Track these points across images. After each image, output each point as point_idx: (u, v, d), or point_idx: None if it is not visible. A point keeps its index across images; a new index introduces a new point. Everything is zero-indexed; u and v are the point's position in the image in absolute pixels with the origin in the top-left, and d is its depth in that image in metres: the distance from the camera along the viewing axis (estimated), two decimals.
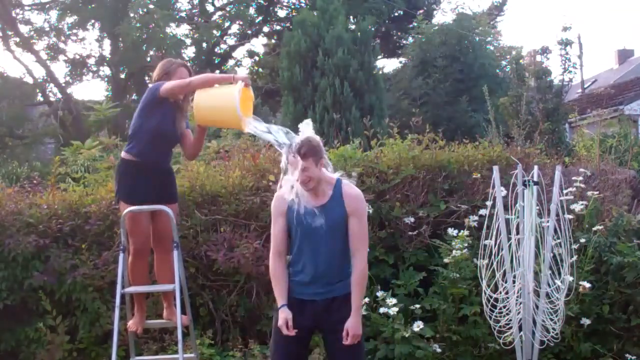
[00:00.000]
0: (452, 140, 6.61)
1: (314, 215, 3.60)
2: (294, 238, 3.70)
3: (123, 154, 4.51)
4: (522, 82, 11.34)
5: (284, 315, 3.54)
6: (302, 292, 3.65)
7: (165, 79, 4.48)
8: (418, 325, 5.05)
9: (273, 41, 23.33)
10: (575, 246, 5.05)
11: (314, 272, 3.62)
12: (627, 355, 5.21)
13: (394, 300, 5.13)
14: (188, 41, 21.90)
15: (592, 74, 32.18)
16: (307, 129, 3.74)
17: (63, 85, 21.32)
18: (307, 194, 3.60)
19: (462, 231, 5.44)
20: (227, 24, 22.89)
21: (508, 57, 17.90)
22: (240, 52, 36.35)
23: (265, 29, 23.87)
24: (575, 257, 4.99)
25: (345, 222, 3.61)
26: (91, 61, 21.94)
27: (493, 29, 21.12)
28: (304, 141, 3.57)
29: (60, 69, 46.45)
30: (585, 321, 5.19)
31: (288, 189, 3.67)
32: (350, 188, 3.67)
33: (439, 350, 5.13)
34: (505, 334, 4.73)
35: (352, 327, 3.53)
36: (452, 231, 5.51)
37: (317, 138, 3.67)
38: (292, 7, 23.05)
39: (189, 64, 4.68)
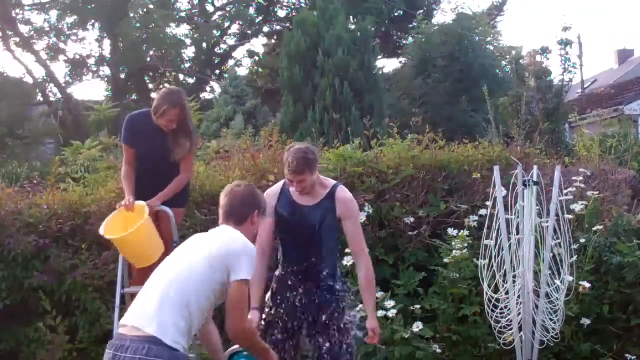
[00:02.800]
0: (452, 140, 6.61)
1: (305, 214, 3.67)
2: (283, 237, 3.78)
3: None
4: (522, 82, 11.35)
5: (250, 318, 3.53)
6: (286, 290, 3.72)
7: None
8: (418, 327, 5.04)
9: (273, 41, 23.34)
10: (575, 246, 5.05)
11: (302, 269, 3.69)
12: (627, 355, 5.20)
13: (392, 303, 5.13)
14: (188, 41, 21.93)
15: (592, 74, 32.16)
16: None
17: (63, 85, 21.35)
18: (295, 193, 3.67)
19: (462, 231, 5.44)
20: (227, 24, 22.92)
21: (508, 57, 17.91)
22: (240, 52, 36.42)
23: (265, 29, 23.90)
24: (575, 257, 4.99)
25: (334, 223, 3.68)
26: (91, 61, 21.98)
27: (493, 29, 21.11)
28: (298, 157, 3.56)
29: (60, 69, 46.41)
30: (585, 321, 5.18)
31: (279, 186, 3.75)
32: (344, 192, 3.72)
33: (439, 350, 5.13)
34: (505, 334, 4.73)
35: (375, 327, 3.67)
36: (452, 231, 5.50)
37: (309, 147, 3.68)
38: (292, 7, 23.07)
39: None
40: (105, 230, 4.30)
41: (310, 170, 3.58)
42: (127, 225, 4.28)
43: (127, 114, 4.92)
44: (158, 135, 4.49)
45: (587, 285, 5.08)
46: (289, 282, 3.75)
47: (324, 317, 3.67)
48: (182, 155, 4.54)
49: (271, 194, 3.76)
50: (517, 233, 4.63)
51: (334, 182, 3.79)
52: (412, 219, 5.78)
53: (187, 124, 4.56)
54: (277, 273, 3.85)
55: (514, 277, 4.61)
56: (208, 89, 23.46)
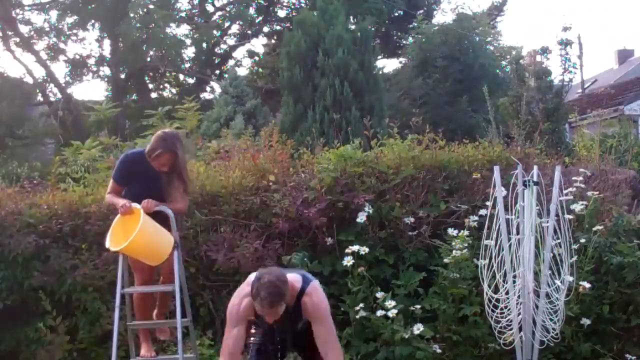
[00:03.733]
0: (452, 140, 6.61)
1: (280, 333, 3.65)
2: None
3: None
4: (522, 82, 11.32)
5: None
6: None
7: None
8: (418, 327, 5.05)
9: (273, 41, 23.32)
10: (575, 246, 5.05)
11: None
12: (627, 355, 5.20)
13: (393, 303, 5.13)
14: (188, 41, 21.89)
15: (592, 74, 32.15)
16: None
17: (63, 85, 21.33)
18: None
19: (462, 231, 5.44)
20: (227, 24, 22.89)
21: (508, 57, 17.90)
22: (240, 52, 36.38)
23: (265, 29, 23.86)
24: (575, 257, 4.99)
25: (307, 330, 3.61)
26: (91, 61, 21.96)
27: (493, 29, 21.11)
28: (271, 291, 3.42)
29: (60, 69, 46.41)
30: (585, 321, 5.18)
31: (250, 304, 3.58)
32: (309, 296, 3.59)
33: (439, 350, 5.13)
34: (505, 334, 4.73)
35: None
36: (452, 231, 5.51)
37: (279, 277, 3.50)
38: (292, 7, 23.05)
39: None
40: (111, 243, 4.34)
41: (284, 299, 3.48)
42: (129, 231, 4.30)
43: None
44: (152, 175, 4.56)
45: (587, 285, 5.08)
46: None
47: None
48: (175, 197, 4.60)
49: (247, 309, 3.62)
50: (517, 233, 4.63)
51: (300, 284, 3.62)
52: (412, 219, 5.78)
53: (181, 169, 4.60)
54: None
55: (514, 277, 4.61)
56: (208, 89, 23.45)
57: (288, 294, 3.49)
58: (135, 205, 4.43)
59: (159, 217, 4.51)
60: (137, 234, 4.22)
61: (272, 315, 3.47)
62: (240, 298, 3.63)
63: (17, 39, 20.72)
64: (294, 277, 3.61)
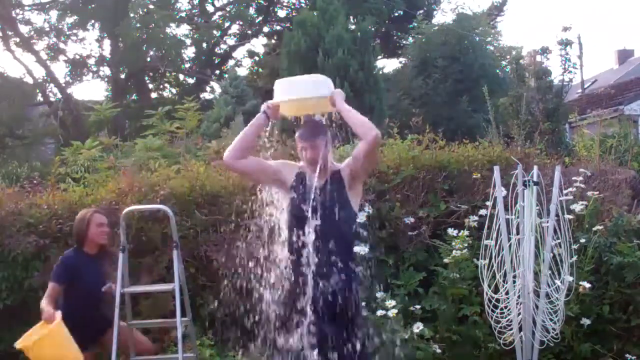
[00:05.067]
0: (452, 140, 6.61)
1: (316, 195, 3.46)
2: (293, 224, 3.50)
3: None
4: (522, 82, 11.33)
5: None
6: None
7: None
8: (418, 327, 5.04)
9: (273, 41, 23.34)
10: (575, 246, 5.05)
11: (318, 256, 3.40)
12: (627, 355, 5.20)
13: (393, 303, 5.13)
14: (188, 41, 21.95)
15: (592, 74, 32.19)
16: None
17: (63, 85, 21.36)
18: (309, 173, 3.53)
19: (462, 231, 5.44)
20: (227, 24, 22.93)
21: (508, 57, 17.92)
22: (240, 52, 36.47)
23: (265, 29, 23.91)
24: (575, 257, 4.99)
25: (346, 198, 3.49)
26: (91, 61, 22.01)
27: (493, 29, 21.14)
28: (310, 122, 3.56)
29: (60, 69, 46.47)
30: (585, 321, 5.18)
31: (296, 168, 3.61)
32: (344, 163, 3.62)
33: (439, 350, 5.13)
34: (505, 334, 4.73)
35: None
36: (452, 231, 5.50)
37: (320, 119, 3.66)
38: (292, 7, 23.08)
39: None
40: (21, 340, 4.32)
41: (324, 136, 3.51)
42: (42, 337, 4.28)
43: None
44: (94, 266, 4.58)
45: (587, 285, 5.08)
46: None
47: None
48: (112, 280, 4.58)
49: (289, 169, 3.64)
50: (517, 233, 4.62)
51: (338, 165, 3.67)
52: (412, 219, 5.78)
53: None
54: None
55: (514, 277, 4.61)
56: (208, 89, 23.49)
57: (327, 137, 3.54)
58: (58, 314, 4.37)
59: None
60: (38, 340, 4.21)
61: (312, 149, 3.46)
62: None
63: (17, 39, 20.75)
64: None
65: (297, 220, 3.48)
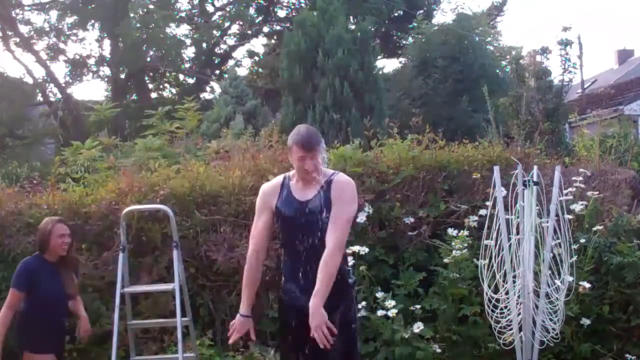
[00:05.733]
0: (452, 140, 6.61)
1: (309, 209, 3.39)
2: (281, 232, 3.50)
3: None
4: (522, 82, 11.34)
5: (238, 322, 3.43)
6: (293, 299, 3.42)
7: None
8: (418, 327, 5.05)
9: (273, 41, 23.34)
10: (575, 246, 5.05)
11: (302, 275, 3.39)
12: (627, 355, 5.20)
13: (393, 302, 5.13)
14: (188, 41, 21.93)
15: (592, 74, 32.16)
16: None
17: (63, 85, 21.36)
18: (298, 186, 3.43)
19: (462, 231, 5.44)
20: (227, 24, 22.91)
21: (508, 57, 17.92)
22: (240, 52, 36.42)
23: (265, 29, 23.90)
24: (575, 257, 4.99)
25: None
26: (91, 61, 21.99)
27: (493, 29, 21.13)
28: (311, 132, 3.42)
29: (60, 69, 46.46)
30: (585, 321, 5.18)
31: (278, 181, 3.51)
32: (342, 177, 3.47)
33: (438, 350, 5.13)
34: (505, 334, 4.73)
35: (311, 305, 3.18)
36: (452, 231, 5.51)
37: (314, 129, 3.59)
38: (292, 7, 23.07)
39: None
40: None
41: (320, 146, 3.39)
42: None
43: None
44: (53, 274, 4.44)
45: (587, 285, 5.08)
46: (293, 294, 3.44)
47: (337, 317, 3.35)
48: (71, 288, 4.52)
49: (269, 191, 3.50)
50: (517, 233, 4.62)
51: (333, 171, 3.57)
52: (412, 219, 5.78)
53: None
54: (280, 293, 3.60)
55: (514, 277, 4.61)
56: (208, 89, 23.48)
57: (324, 153, 3.44)
58: None
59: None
60: None
61: (310, 159, 3.33)
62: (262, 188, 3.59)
63: (17, 39, 20.75)
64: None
65: (292, 224, 3.42)
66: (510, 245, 4.60)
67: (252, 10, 22.51)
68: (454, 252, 5.32)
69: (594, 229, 5.46)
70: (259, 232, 3.47)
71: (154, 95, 23.18)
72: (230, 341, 3.44)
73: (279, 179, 3.55)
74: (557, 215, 4.68)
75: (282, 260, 3.59)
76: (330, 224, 3.32)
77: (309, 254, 3.38)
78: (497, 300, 4.63)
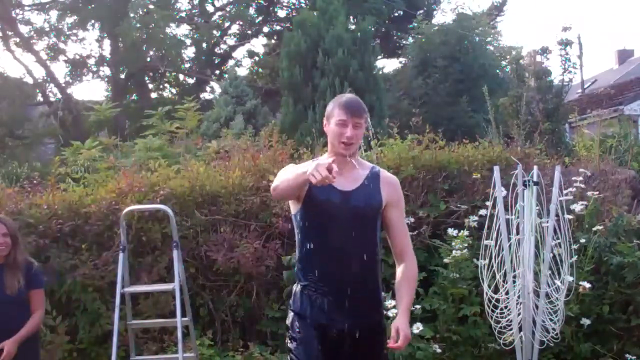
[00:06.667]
0: (452, 140, 6.61)
1: (349, 199, 2.85)
2: (307, 229, 2.88)
3: None
4: (522, 82, 11.34)
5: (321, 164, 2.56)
6: (317, 314, 2.84)
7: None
8: (418, 327, 5.04)
9: (273, 41, 23.33)
10: (575, 246, 5.05)
11: (337, 282, 2.83)
12: (627, 355, 5.20)
13: (392, 303, 5.13)
14: (188, 41, 21.94)
15: (592, 74, 32.19)
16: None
17: (63, 85, 21.35)
18: (337, 156, 2.83)
19: (462, 231, 5.44)
20: (227, 24, 22.92)
21: (508, 57, 17.90)
22: (240, 52, 36.48)
23: (265, 29, 23.89)
24: (575, 258, 4.99)
25: (378, 215, 2.94)
26: (91, 61, 21.98)
27: (493, 29, 21.12)
28: (356, 98, 2.90)
29: (60, 69, 46.46)
30: (585, 321, 5.18)
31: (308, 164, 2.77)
32: (389, 174, 3.08)
33: (438, 350, 5.13)
34: (505, 334, 4.73)
35: (403, 327, 2.80)
36: (452, 231, 5.50)
37: None
38: (292, 7, 23.06)
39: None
40: None
41: (366, 117, 2.88)
42: None
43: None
44: None
45: (587, 285, 5.08)
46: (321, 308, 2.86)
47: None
48: (15, 291, 4.06)
49: (302, 169, 2.78)
50: (517, 233, 4.62)
51: (370, 163, 3.11)
52: (412, 219, 5.78)
53: (17, 250, 4.12)
54: (296, 288, 2.96)
55: (514, 277, 4.61)
56: (208, 89, 23.48)
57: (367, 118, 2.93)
58: None
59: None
60: None
61: (353, 127, 2.78)
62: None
63: (17, 39, 20.73)
64: None
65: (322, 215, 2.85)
66: (510, 246, 4.60)
67: (252, 10, 22.51)
68: (454, 252, 5.32)
69: (594, 229, 5.46)
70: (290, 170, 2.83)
71: (154, 95, 23.17)
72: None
73: (306, 165, 2.83)
74: (557, 215, 4.68)
75: (300, 264, 2.95)
76: (399, 231, 2.99)
77: (351, 261, 2.86)
78: (497, 300, 4.63)
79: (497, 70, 17.88)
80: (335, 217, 2.83)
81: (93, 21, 20.46)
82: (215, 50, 23.25)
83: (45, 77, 21.33)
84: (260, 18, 23.20)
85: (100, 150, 7.96)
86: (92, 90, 71.44)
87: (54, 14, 21.09)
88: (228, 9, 22.83)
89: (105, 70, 22.17)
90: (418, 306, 5.24)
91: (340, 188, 2.83)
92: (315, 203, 2.83)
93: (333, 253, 2.84)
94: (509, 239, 4.61)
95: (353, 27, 15.27)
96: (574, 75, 11.81)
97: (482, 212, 5.35)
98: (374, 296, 2.97)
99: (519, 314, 4.64)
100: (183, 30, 27.14)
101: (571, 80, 11.50)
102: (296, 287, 2.95)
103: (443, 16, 28.09)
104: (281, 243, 5.58)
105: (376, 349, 2.96)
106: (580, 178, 5.93)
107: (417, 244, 5.81)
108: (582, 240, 5.38)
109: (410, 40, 20.02)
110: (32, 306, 4.17)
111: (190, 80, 23.66)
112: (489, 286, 4.64)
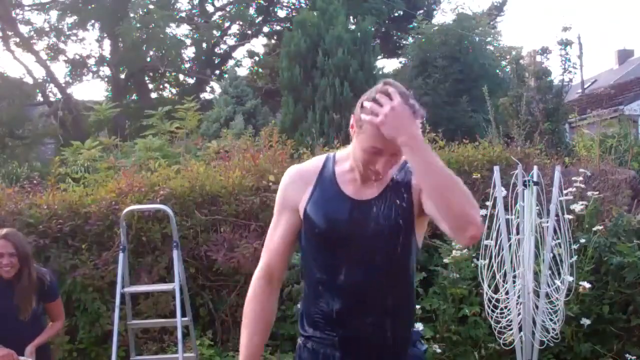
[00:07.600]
0: (452, 140, 6.61)
1: (369, 216, 2.01)
2: (313, 252, 2.08)
3: None
4: (522, 82, 11.35)
5: None
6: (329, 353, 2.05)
7: None
8: (418, 327, 5.05)
9: (273, 41, 23.35)
10: (575, 246, 5.05)
11: (362, 330, 2.02)
12: (627, 355, 5.20)
13: None
14: (188, 41, 21.94)
15: (592, 74, 32.20)
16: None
17: (63, 85, 21.35)
18: (349, 177, 2.07)
19: None
20: (227, 24, 22.92)
21: (508, 57, 17.90)
22: (240, 52, 36.51)
23: (265, 29, 23.91)
24: (575, 257, 4.99)
25: (412, 227, 2.05)
26: (91, 61, 21.99)
27: (493, 29, 21.11)
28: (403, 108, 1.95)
29: (60, 69, 46.50)
30: (585, 321, 5.18)
31: (317, 165, 2.12)
32: None
33: (438, 350, 5.13)
34: (505, 334, 4.73)
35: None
36: None
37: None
38: (292, 7, 23.07)
39: None
40: None
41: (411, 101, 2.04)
42: None
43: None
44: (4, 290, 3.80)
45: (587, 285, 5.08)
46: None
47: None
48: (28, 315, 3.84)
49: (296, 179, 2.13)
50: (517, 233, 4.62)
51: None
52: None
53: (29, 270, 3.82)
54: (299, 341, 2.18)
55: (514, 277, 4.61)
56: (208, 89, 23.48)
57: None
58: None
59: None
60: None
61: (389, 158, 1.99)
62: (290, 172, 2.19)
63: (17, 39, 20.73)
64: None
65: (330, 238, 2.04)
66: (510, 246, 4.60)
67: (252, 10, 22.51)
68: (454, 252, 5.32)
69: (594, 229, 5.45)
70: (271, 244, 2.17)
71: (154, 95, 23.18)
72: None
73: (315, 162, 2.16)
74: (557, 215, 4.68)
75: (303, 296, 2.21)
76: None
77: (365, 295, 2.01)
78: (497, 300, 4.63)
79: (497, 70, 17.87)
80: (343, 237, 2.04)
81: (93, 21, 20.47)
82: (215, 50, 23.26)
83: (45, 77, 21.34)
84: (260, 18, 23.21)
85: (100, 150, 7.97)
86: (92, 90, 71.55)
87: (54, 14, 21.11)
88: (228, 9, 22.84)
89: (105, 70, 22.19)
90: (418, 306, 5.24)
91: (352, 196, 2.07)
92: (314, 219, 2.07)
93: (337, 289, 2.05)
94: (509, 239, 4.61)
95: (353, 27, 15.27)
96: (574, 75, 11.83)
97: (482, 212, 5.33)
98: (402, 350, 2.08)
99: (519, 314, 4.64)
100: (183, 30, 27.20)
101: (571, 80, 11.52)
102: (299, 341, 2.19)
103: (443, 16, 28.13)
104: None
105: None
106: (580, 178, 5.93)
107: None
108: (582, 240, 5.38)
109: (410, 40, 20.00)
110: (51, 317, 4.04)
111: (190, 80, 23.68)
112: (489, 286, 4.64)
